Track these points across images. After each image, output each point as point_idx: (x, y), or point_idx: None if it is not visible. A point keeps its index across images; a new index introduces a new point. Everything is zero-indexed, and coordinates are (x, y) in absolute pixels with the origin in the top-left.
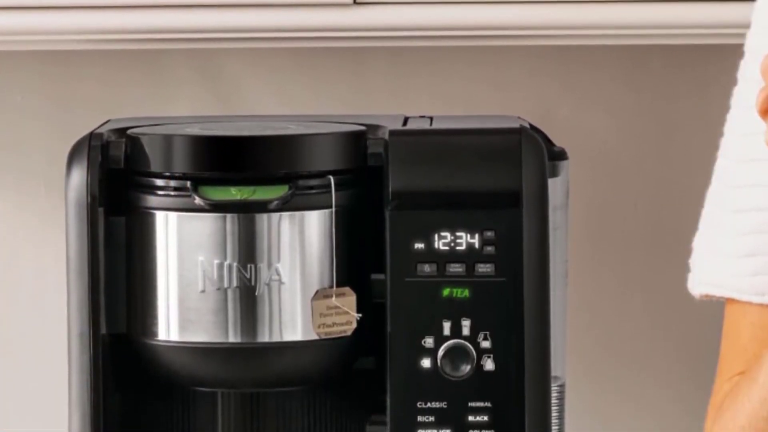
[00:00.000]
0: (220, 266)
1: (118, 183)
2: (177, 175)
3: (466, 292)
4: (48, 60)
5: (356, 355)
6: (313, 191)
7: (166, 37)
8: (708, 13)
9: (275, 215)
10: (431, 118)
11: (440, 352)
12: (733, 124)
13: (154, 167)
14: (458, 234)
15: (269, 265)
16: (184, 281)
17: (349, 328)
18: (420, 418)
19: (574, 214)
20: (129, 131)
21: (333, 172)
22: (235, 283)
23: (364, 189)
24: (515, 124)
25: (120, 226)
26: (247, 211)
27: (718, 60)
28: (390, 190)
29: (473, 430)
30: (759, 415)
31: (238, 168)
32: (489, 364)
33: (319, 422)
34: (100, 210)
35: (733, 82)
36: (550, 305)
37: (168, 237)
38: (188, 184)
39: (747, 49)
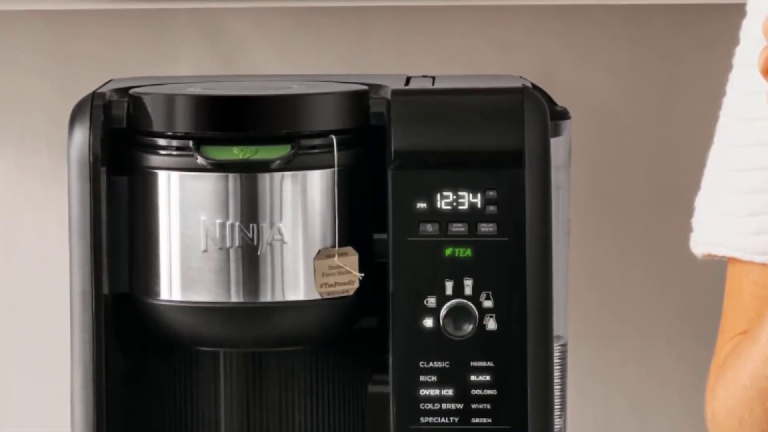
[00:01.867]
0: (223, 226)
1: (121, 143)
2: (179, 134)
3: (469, 252)
4: (50, 19)
5: (358, 314)
6: (316, 151)
7: None
8: None
9: (277, 175)
10: (433, 78)
11: (442, 312)
12: (735, 83)
13: (157, 127)
14: (460, 193)
15: (271, 224)
16: (186, 241)
17: (351, 288)
18: (422, 378)
19: (576, 174)
20: (131, 91)
21: (335, 132)
22: (237, 243)
23: (366, 148)
24: (517, 84)
25: (122, 186)
26: (250, 170)
27: (721, 19)
28: (392, 149)
29: (475, 389)
30: (761, 375)
31: (241, 128)
32: (491, 324)
33: (321, 381)
34: (103, 169)
35: (735, 41)
36: (553, 265)
37: (170, 197)
38: (190, 143)
39: (749, 8)
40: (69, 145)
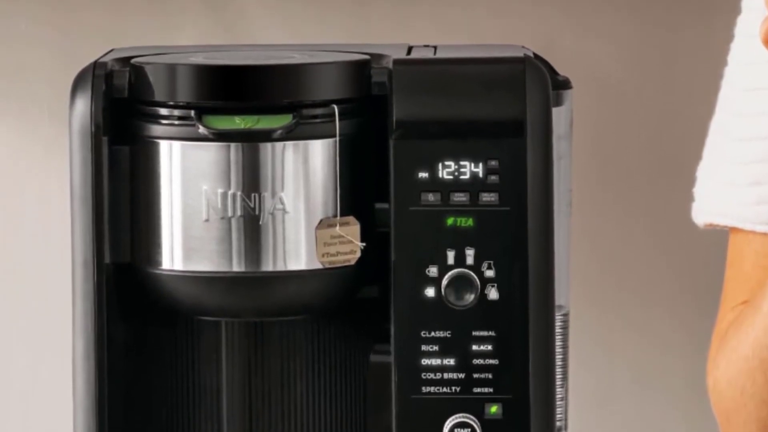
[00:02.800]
0: (224, 195)
1: (122, 112)
2: (181, 104)
3: (470, 221)
4: None
5: (360, 284)
6: (317, 120)
7: None
8: None
9: (279, 144)
10: (435, 48)
11: (444, 281)
12: (737, 53)
13: (158, 96)
14: (462, 163)
15: (273, 194)
16: (187, 210)
17: (353, 257)
18: (424, 347)
19: (578, 144)
20: (133, 60)
21: (337, 102)
22: (239, 213)
23: (368, 118)
24: (519, 54)
25: (124, 156)
26: (251, 140)
27: None
28: (394, 119)
29: (477, 359)
30: (763, 344)
31: (242, 97)
32: (493, 294)
33: (323, 351)
34: (104, 139)
35: (737, 10)
36: (554, 234)
37: (172, 166)
38: (192, 113)
39: None
40: (70, 114)
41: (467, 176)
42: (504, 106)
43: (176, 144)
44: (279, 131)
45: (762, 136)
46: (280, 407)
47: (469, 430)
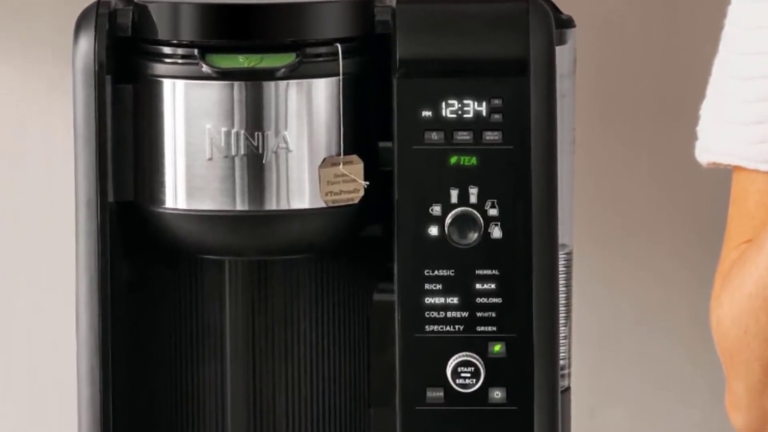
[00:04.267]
0: (228, 134)
1: (126, 51)
2: (184, 42)
3: (474, 160)
4: None
5: (363, 222)
6: (321, 59)
7: None
8: None
9: (283, 83)
10: None
11: (447, 220)
12: None
13: (162, 35)
14: (465, 102)
15: (277, 132)
16: (191, 149)
17: (357, 196)
18: (427, 286)
19: (581, 82)
20: None
21: (340, 40)
22: (242, 151)
23: (371, 57)
24: None
25: (127, 94)
26: (255, 78)
27: None
28: (397, 57)
29: (480, 297)
30: (766, 283)
31: (246, 36)
32: (496, 232)
33: (326, 290)
34: (108, 78)
35: None
36: (557, 173)
37: (175, 105)
38: (196, 52)
39: None
40: (74, 53)
41: (470, 115)
42: (507, 45)
43: (180, 83)
44: (282, 70)
45: (765, 74)
46: (284, 346)
47: (473, 368)
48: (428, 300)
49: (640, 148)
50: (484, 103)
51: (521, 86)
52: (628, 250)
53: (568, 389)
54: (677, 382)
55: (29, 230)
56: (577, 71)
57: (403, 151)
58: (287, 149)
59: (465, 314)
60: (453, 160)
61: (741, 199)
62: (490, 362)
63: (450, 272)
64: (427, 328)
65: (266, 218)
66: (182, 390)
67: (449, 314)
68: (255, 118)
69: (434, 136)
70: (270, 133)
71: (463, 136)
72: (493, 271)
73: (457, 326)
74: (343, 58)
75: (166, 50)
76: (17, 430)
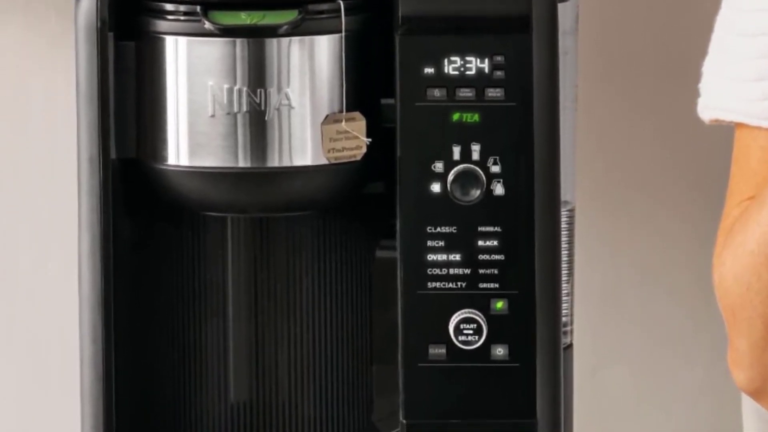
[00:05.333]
0: (230, 91)
1: (128, 8)
2: None
3: (476, 117)
4: None
5: (366, 179)
6: (323, 16)
7: None
8: None
9: (285, 40)
10: None
11: (450, 177)
12: None
13: None
14: (468, 59)
15: (279, 89)
16: (193, 106)
17: (359, 153)
18: (430, 243)
19: (583, 39)
20: None
21: None
22: (244, 108)
23: (374, 14)
24: None
25: (130, 51)
26: (257, 35)
27: None
28: (400, 14)
29: (483, 254)
30: None
31: None
32: (498, 189)
33: (329, 246)
34: (110, 35)
35: None
36: (560, 130)
37: (178, 62)
38: (198, 8)
39: None
40: (76, 10)
41: (473, 72)
42: (509, 2)
43: (182, 39)
44: (285, 27)
45: (767, 31)
46: (286, 303)
47: (475, 325)
48: (430, 257)
49: (642, 106)
50: (486, 60)
51: (523, 43)
52: (631, 207)
53: (570, 346)
54: (679, 340)
55: (33, 187)
56: (580, 28)
57: (406, 108)
58: (289, 106)
59: (467, 271)
60: (455, 117)
61: (743, 156)
62: (492, 319)
63: (452, 229)
64: (430, 284)
65: (269, 175)
66: (185, 347)
67: (451, 271)
68: (257, 75)
69: (436, 93)
70: (272, 90)
71: (465, 93)
72: (496, 228)
73: (459, 283)
74: (346, 15)
75: (169, 7)
76: (19, 387)
